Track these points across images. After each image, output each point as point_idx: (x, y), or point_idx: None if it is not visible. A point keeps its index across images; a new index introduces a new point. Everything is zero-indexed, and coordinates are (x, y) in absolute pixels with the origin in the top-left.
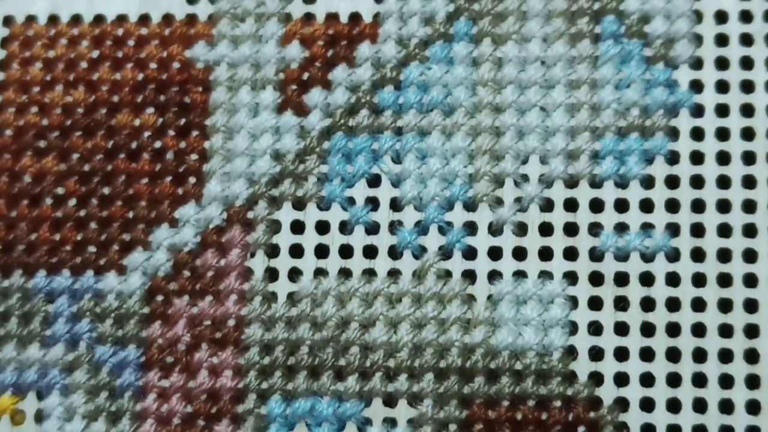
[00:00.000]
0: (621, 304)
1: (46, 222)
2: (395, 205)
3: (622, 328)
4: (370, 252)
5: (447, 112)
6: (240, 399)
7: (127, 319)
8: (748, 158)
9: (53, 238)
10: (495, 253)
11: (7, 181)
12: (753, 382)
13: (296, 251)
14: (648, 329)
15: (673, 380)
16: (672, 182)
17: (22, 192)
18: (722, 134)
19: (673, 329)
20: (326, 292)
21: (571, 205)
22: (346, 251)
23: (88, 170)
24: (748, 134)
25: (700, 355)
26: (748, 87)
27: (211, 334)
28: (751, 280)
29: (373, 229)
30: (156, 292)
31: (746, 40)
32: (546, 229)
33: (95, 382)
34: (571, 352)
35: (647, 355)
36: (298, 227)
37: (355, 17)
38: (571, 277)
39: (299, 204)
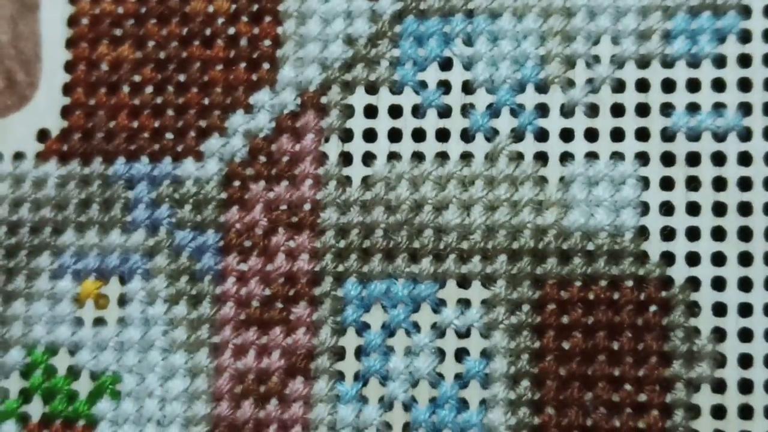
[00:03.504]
0: (693, 183)
1: (124, 109)
2: (467, 88)
3: (693, 208)
4: (443, 135)
5: None
6: (317, 282)
7: (205, 205)
8: None
9: (131, 126)
10: (567, 135)
11: (84, 70)
12: None
13: (369, 135)
14: (720, 209)
15: (745, 259)
16: (744, 61)
17: (100, 80)
18: None
19: (745, 208)
20: (400, 175)
21: (642, 85)
22: (418, 135)
23: (163, 58)
24: None
25: None
26: None
27: (288, 218)
28: None
29: (445, 112)
30: (233, 177)
31: None
32: (617, 110)
33: (176, 267)
34: (642, 233)
35: (719, 234)
36: (371, 111)
37: None
38: (643, 158)
39: (372, 88)
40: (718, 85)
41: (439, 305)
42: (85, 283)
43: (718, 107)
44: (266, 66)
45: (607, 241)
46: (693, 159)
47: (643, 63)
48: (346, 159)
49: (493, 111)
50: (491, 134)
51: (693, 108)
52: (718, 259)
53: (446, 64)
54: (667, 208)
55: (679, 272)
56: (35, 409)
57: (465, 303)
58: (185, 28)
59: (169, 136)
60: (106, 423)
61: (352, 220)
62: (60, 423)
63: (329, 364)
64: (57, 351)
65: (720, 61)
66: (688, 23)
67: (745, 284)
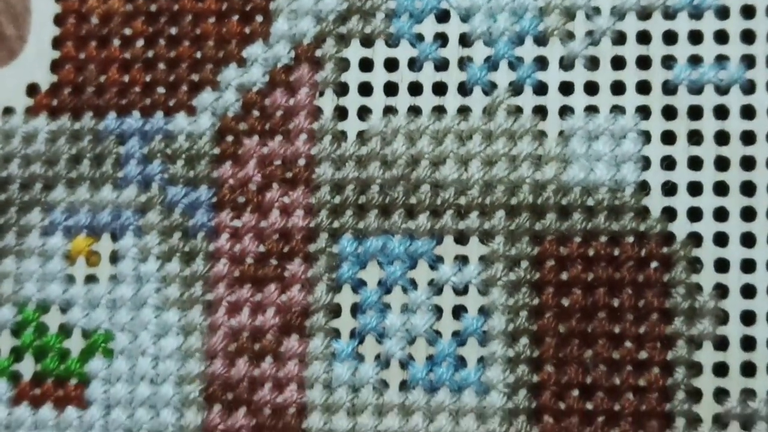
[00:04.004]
0: (695, 137)
1: (115, 63)
2: (464, 40)
3: (695, 163)
4: (440, 89)
5: None
6: (312, 238)
7: (198, 160)
8: None
9: (122, 80)
10: (566, 88)
11: (74, 23)
12: None
13: (365, 89)
14: (722, 163)
15: (747, 214)
16: (747, 12)
17: (90, 33)
18: None
19: (748, 163)
20: (396, 130)
21: (643, 37)
22: (415, 88)
23: (154, 10)
24: None
25: None
26: None
27: (282, 173)
28: None
29: (442, 65)
30: (226, 132)
31: None
32: (618, 63)
33: (168, 223)
34: (643, 187)
35: (721, 189)
36: (366, 65)
37: None
38: (644, 111)
39: (367, 41)
40: (721, 37)
41: (436, 262)
42: (77, 239)
43: (721, 60)
44: (259, 18)
45: (608, 196)
46: (695, 112)
47: (644, 14)
48: (341, 113)
49: (491, 64)
50: (489, 88)
51: (695, 60)
52: (721, 214)
53: (443, 16)
54: (668, 163)
55: (681, 228)
56: (27, 367)
57: (463, 259)
58: None
59: (161, 90)
60: (98, 381)
61: (347, 176)
62: (52, 381)
63: (324, 321)
64: (48, 308)
65: (723, 13)
66: None
67: (748, 240)
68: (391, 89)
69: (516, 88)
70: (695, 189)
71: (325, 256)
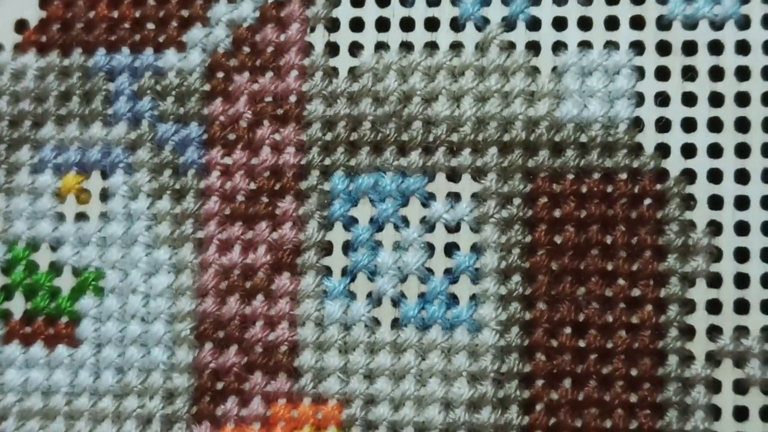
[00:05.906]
0: (689, 73)
1: None
2: None
3: (690, 98)
4: (432, 24)
5: None
6: (303, 175)
7: (188, 97)
8: None
9: (111, 16)
10: (559, 24)
11: None
12: None
13: (357, 25)
14: (716, 99)
15: (742, 150)
16: None
17: None
18: None
19: (743, 98)
20: (388, 66)
21: None
22: (407, 24)
23: None
24: None
25: None
26: None
27: (273, 110)
28: None
29: (434, 0)
30: (216, 68)
31: None
32: None
33: (158, 161)
34: (637, 124)
35: (715, 125)
36: (357, 0)
37: None
38: (638, 47)
39: None
40: None
41: (428, 199)
42: (66, 177)
43: None
44: None
45: (601, 132)
46: (689, 48)
47: None
48: (332, 49)
49: None
50: (482, 23)
51: None
52: (715, 150)
53: None
54: (662, 99)
55: (675, 164)
56: (17, 305)
57: (455, 196)
58: None
59: (151, 26)
60: (89, 320)
61: (338, 112)
62: (42, 320)
63: (316, 259)
64: (38, 246)
65: None
66: None
67: (742, 176)
68: (382, 25)
69: (509, 24)
70: (689, 125)
71: (317, 194)
